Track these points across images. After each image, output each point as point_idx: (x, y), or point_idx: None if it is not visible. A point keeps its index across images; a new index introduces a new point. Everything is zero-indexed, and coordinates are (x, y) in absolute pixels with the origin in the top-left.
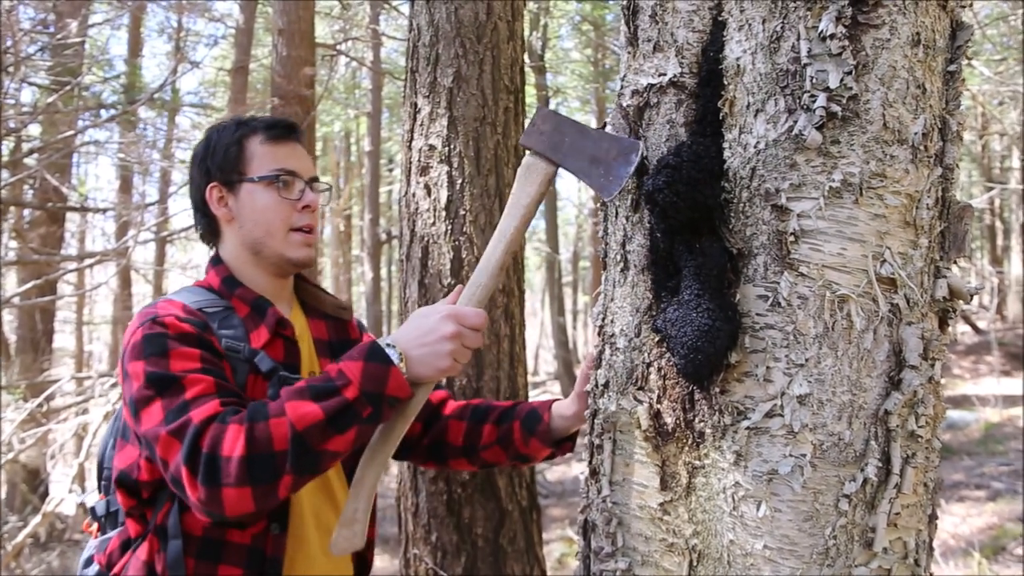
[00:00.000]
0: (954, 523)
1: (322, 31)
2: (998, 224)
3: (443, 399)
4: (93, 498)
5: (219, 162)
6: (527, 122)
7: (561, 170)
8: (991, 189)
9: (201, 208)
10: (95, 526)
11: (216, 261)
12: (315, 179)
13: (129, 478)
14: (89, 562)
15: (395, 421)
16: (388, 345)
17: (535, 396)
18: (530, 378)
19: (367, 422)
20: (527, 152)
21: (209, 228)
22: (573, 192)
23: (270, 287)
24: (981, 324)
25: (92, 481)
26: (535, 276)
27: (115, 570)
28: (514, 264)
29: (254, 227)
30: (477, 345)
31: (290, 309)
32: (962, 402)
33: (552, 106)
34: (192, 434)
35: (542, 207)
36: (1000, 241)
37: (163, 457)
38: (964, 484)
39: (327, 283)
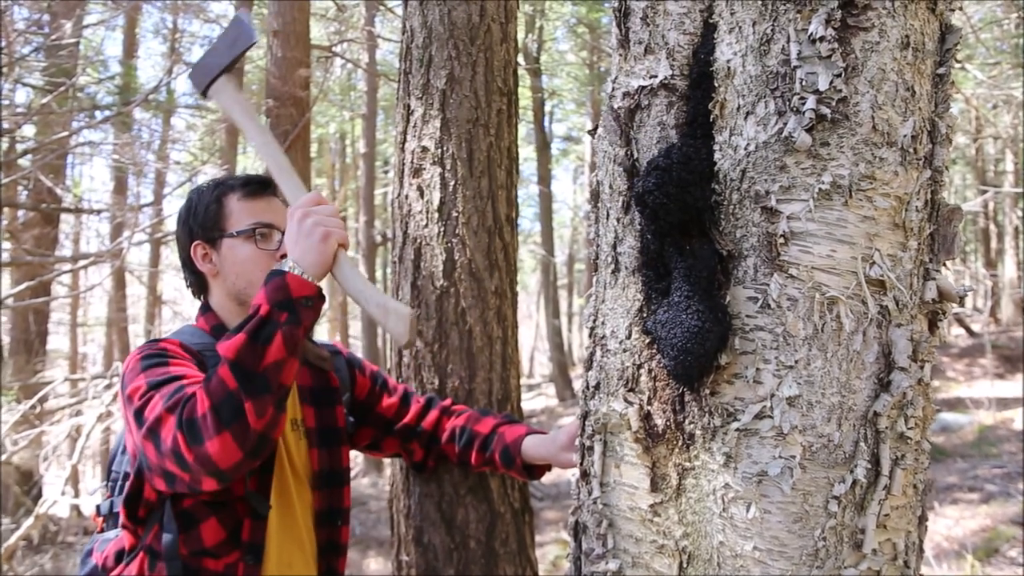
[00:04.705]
0: (947, 525)
1: (317, 33)
2: (992, 227)
3: (436, 420)
4: (100, 495)
5: (200, 221)
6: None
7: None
8: (985, 192)
9: (188, 266)
10: (100, 520)
11: (205, 309)
12: None
13: (132, 500)
14: (90, 553)
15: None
16: (282, 264)
17: (530, 399)
18: (525, 380)
19: (288, 324)
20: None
21: (197, 283)
22: (568, 194)
23: None
24: (975, 327)
25: (87, 483)
26: (530, 279)
27: None
28: (507, 266)
29: (237, 279)
30: (331, 213)
31: None
32: (956, 404)
33: (547, 108)
34: (180, 409)
35: (536, 210)
36: (994, 244)
37: (163, 435)
38: (958, 486)
39: (322, 285)
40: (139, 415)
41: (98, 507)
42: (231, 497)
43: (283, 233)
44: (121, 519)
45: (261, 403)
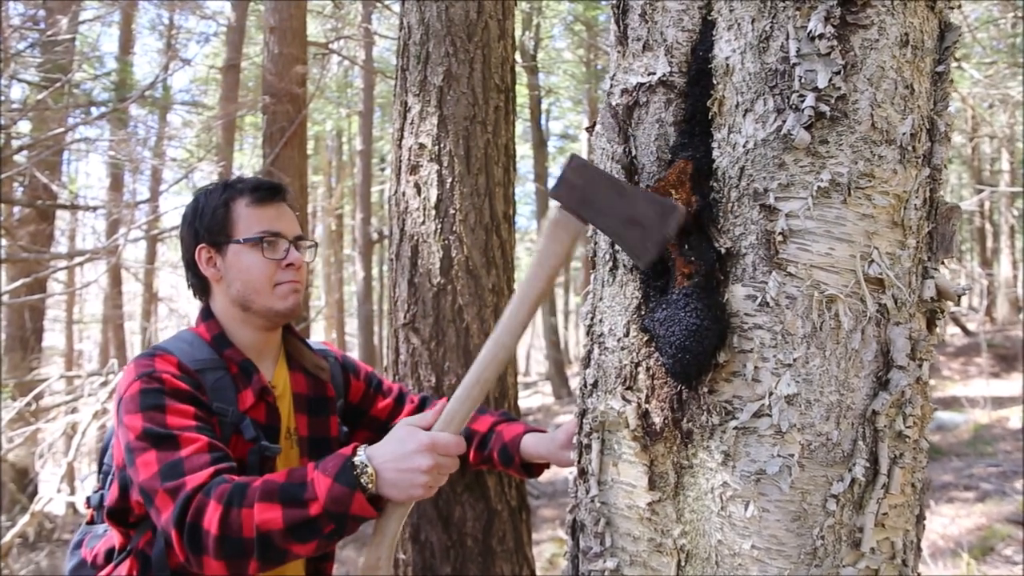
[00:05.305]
0: (943, 524)
1: (314, 29)
2: (988, 226)
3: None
4: (91, 483)
5: (207, 224)
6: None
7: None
8: (981, 192)
9: (191, 268)
10: (89, 511)
11: (207, 315)
12: (300, 238)
13: (118, 512)
14: (79, 544)
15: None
16: (363, 464)
17: (527, 397)
18: (522, 378)
19: (328, 537)
20: (557, 206)
21: (199, 286)
22: None
23: (259, 342)
24: (971, 326)
25: (86, 474)
26: None
27: None
28: (504, 263)
29: (241, 286)
30: (453, 470)
31: (275, 363)
32: (952, 403)
33: (544, 106)
34: (183, 499)
35: (533, 207)
36: (990, 243)
37: (159, 508)
38: (953, 485)
39: (319, 282)
40: (131, 456)
41: (88, 498)
42: None
43: (291, 242)
44: (108, 525)
45: (266, 566)
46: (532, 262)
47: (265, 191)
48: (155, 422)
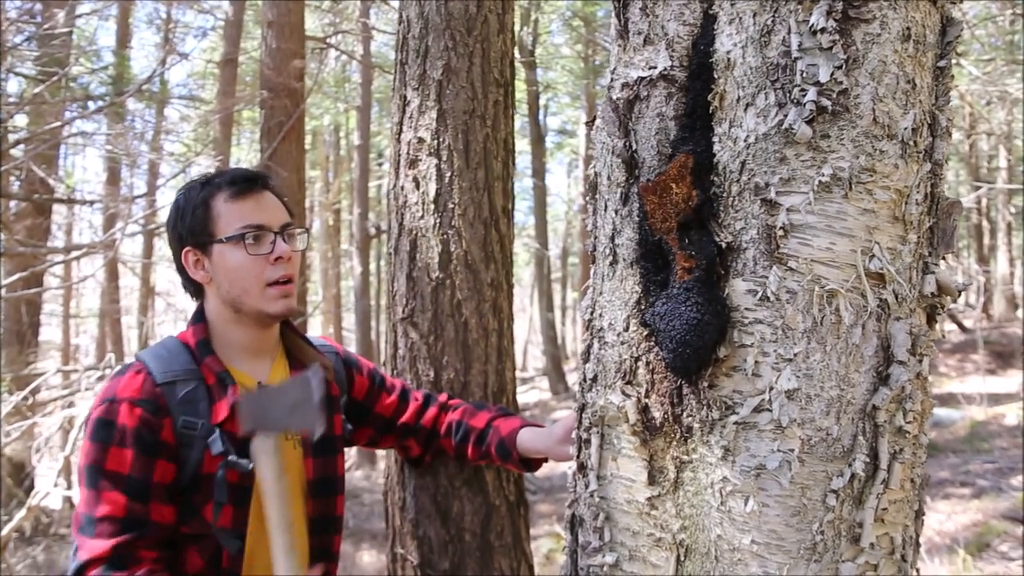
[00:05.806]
0: (939, 520)
1: (312, 24)
2: (985, 223)
3: (434, 417)
4: None
5: (189, 226)
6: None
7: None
8: (978, 188)
9: (182, 272)
10: None
11: (197, 318)
12: (288, 225)
13: None
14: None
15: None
16: None
17: (524, 392)
18: (519, 374)
19: None
20: (252, 438)
21: (193, 289)
22: (562, 188)
23: (254, 340)
24: (967, 323)
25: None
26: (524, 272)
27: None
28: (503, 258)
29: (230, 287)
30: None
31: (273, 360)
32: (948, 400)
33: (542, 101)
34: (77, 567)
35: (531, 203)
36: (987, 240)
37: (76, 544)
38: (949, 481)
39: (316, 277)
40: (79, 478)
41: None
42: (207, 531)
43: (277, 232)
44: None
45: None
46: (262, 491)
47: (243, 183)
48: (96, 460)
